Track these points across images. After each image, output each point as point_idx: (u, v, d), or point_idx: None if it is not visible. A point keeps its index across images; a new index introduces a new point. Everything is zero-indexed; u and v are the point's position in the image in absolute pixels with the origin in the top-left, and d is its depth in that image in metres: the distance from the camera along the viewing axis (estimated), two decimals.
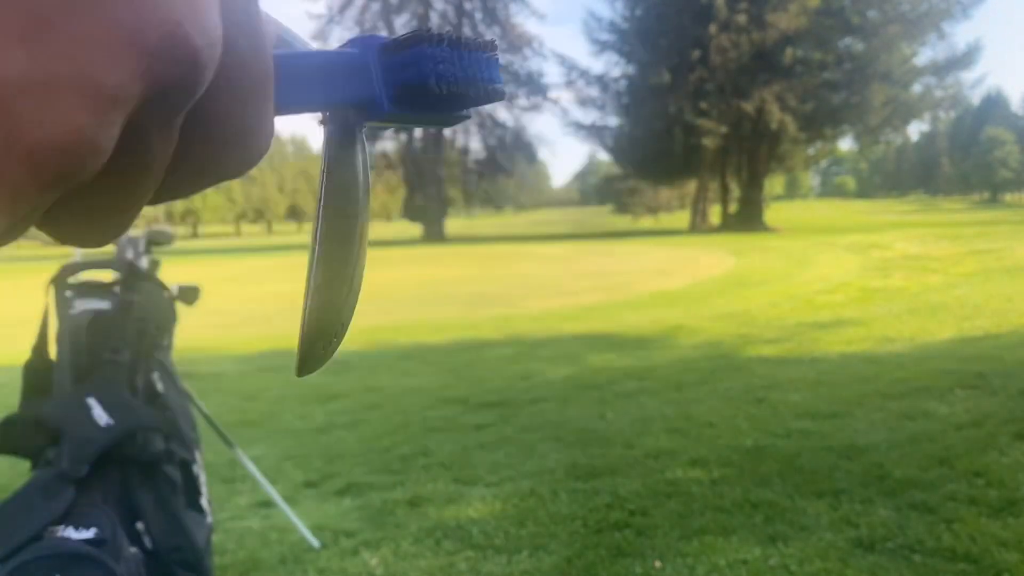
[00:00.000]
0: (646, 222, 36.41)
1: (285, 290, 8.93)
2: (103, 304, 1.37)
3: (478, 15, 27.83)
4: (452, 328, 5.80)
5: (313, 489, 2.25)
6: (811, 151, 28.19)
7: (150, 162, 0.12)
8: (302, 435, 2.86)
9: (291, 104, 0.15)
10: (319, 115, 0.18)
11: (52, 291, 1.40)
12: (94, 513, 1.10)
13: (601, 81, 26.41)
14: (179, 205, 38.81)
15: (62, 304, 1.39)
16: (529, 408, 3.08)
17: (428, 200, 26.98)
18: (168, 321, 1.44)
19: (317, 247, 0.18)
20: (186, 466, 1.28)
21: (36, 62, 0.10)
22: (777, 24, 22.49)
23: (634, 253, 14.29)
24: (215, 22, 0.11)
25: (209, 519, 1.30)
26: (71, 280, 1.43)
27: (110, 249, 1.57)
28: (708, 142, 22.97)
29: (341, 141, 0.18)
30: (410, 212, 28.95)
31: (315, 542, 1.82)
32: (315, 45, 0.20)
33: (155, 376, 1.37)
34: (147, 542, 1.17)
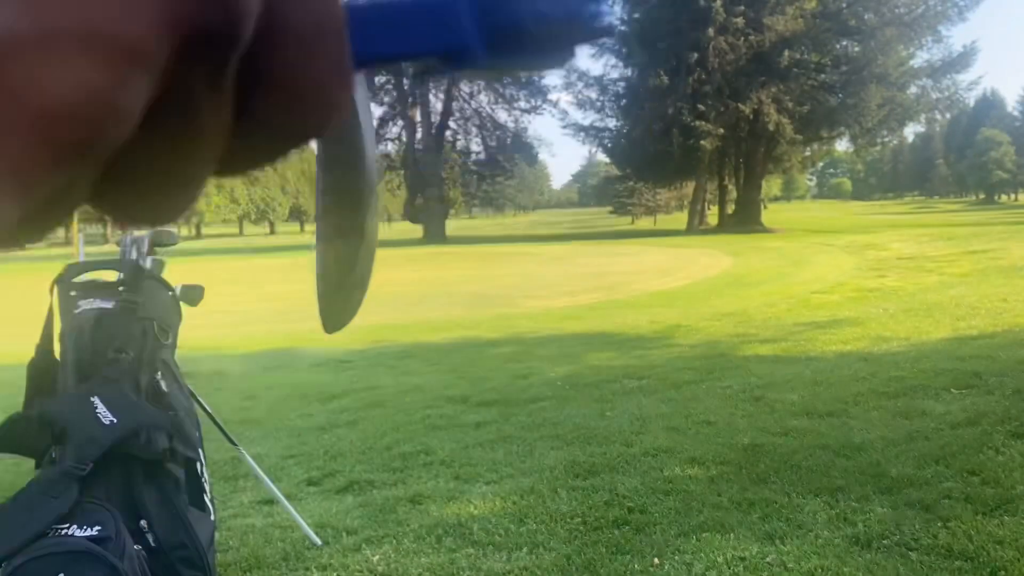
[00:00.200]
0: (645, 223, 36.48)
1: (288, 290, 8.92)
2: (107, 304, 1.38)
3: None
4: (453, 327, 5.81)
5: (315, 487, 2.26)
6: (808, 152, 28.29)
7: (201, 125, 0.11)
8: (304, 433, 2.87)
9: (370, 54, 0.14)
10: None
11: (57, 290, 1.41)
12: (98, 511, 1.11)
13: (600, 83, 26.47)
14: None
15: (66, 303, 1.40)
16: (529, 407, 3.10)
17: (429, 201, 26.99)
18: (172, 320, 1.45)
19: (321, 196, 0.16)
20: (190, 464, 1.29)
21: (34, 14, 0.08)
22: (774, 27, 22.59)
23: (633, 253, 14.32)
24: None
25: (212, 517, 1.31)
26: (76, 280, 1.44)
27: (114, 249, 1.58)
28: (706, 144, 23.04)
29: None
30: (411, 213, 28.96)
31: (317, 540, 1.83)
32: None
33: (159, 375, 1.38)
34: (151, 540, 1.18)
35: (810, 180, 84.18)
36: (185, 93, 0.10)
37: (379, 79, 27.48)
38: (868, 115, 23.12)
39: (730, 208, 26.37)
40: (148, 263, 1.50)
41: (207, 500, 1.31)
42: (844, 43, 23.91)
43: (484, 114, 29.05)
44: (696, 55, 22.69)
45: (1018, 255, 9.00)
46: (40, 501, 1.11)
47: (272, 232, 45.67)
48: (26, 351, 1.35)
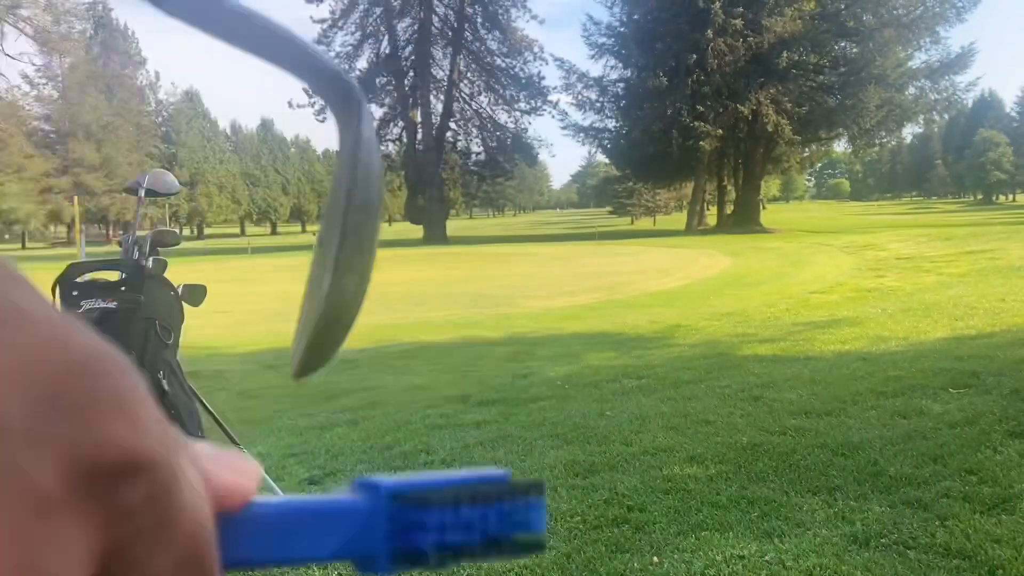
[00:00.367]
0: (644, 223, 36.49)
1: (289, 290, 8.89)
2: (109, 303, 1.39)
3: (479, 20, 27.89)
4: (453, 327, 5.81)
5: (316, 486, 2.26)
6: (806, 153, 28.35)
7: None
8: (305, 433, 2.88)
9: (269, 558, 0.14)
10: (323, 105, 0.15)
11: (58, 290, 1.42)
12: None
13: (599, 84, 26.50)
14: (185, 207, 38.56)
15: (68, 303, 1.40)
16: (529, 406, 3.11)
17: (429, 202, 26.98)
18: (174, 320, 1.45)
19: (337, 245, 0.16)
20: None
21: None
22: (773, 28, 22.63)
23: (632, 254, 14.33)
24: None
25: None
26: (78, 279, 1.44)
27: (116, 249, 1.58)
28: (705, 145, 23.07)
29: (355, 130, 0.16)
30: (412, 214, 28.93)
31: None
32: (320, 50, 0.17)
33: (161, 375, 1.39)
34: None
35: (809, 181, 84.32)
36: None
37: (380, 80, 27.48)
38: (866, 116, 23.16)
39: (729, 208, 26.40)
40: (150, 263, 1.51)
41: None
42: (842, 44, 23.96)
43: (484, 115, 29.07)
44: (695, 56, 22.72)
45: (1016, 255, 9.02)
46: None
47: (274, 232, 45.63)
48: None
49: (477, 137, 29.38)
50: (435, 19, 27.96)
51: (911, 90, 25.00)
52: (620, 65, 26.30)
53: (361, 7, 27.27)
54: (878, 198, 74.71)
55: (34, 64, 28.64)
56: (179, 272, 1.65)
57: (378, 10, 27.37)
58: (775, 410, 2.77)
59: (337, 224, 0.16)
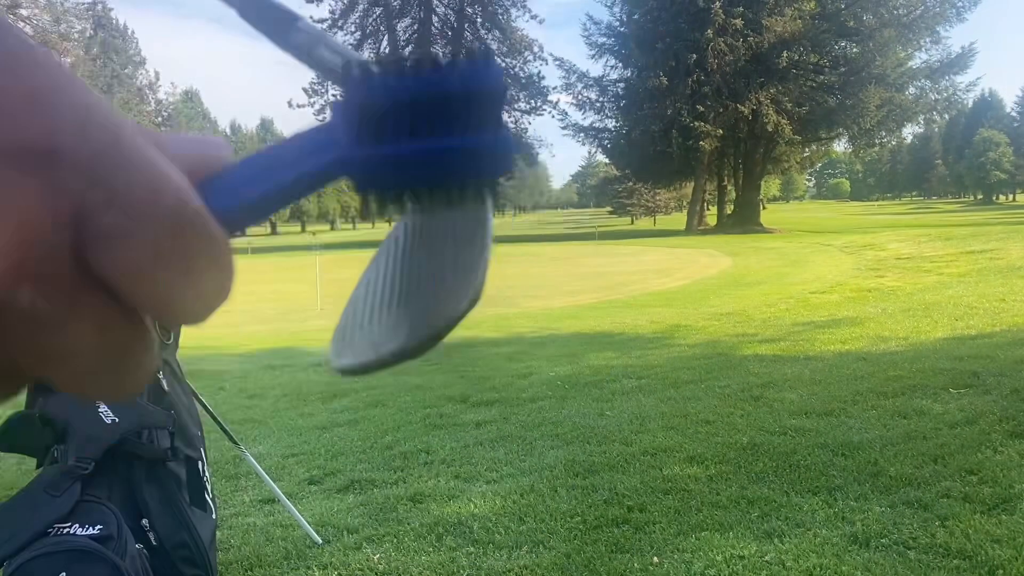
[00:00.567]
0: (644, 223, 36.48)
1: (289, 290, 8.90)
2: None
3: (479, 20, 27.88)
4: None
5: (316, 486, 2.26)
6: (806, 153, 28.33)
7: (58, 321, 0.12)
8: (305, 433, 2.87)
9: (258, 196, 0.15)
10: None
11: None
12: (100, 510, 1.11)
13: (599, 84, 26.49)
14: None
15: None
16: (528, 406, 3.10)
17: None
18: None
19: (483, 238, 0.17)
20: (191, 463, 1.29)
21: None
22: (773, 28, 22.61)
23: (632, 254, 14.33)
24: None
25: (214, 516, 1.31)
26: None
27: None
28: (705, 144, 23.06)
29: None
30: None
31: (318, 538, 1.84)
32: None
33: (161, 374, 1.39)
34: (152, 538, 1.19)
35: (809, 181, 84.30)
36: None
37: None
38: (867, 116, 23.15)
39: (729, 208, 26.38)
40: None
41: (208, 499, 1.32)
42: (843, 44, 23.94)
43: None
44: (695, 56, 22.70)
45: (1016, 255, 9.02)
46: (42, 500, 1.12)
47: (274, 232, 45.65)
48: None
49: None
50: (435, 19, 27.95)
51: (911, 90, 25.00)
52: (620, 65, 26.30)
53: (361, 7, 27.27)
54: (878, 198, 74.71)
55: None
56: None
57: (378, 10, 27.37)
58: (775, 410, 2.77)
59: (480, 220, 0.17)
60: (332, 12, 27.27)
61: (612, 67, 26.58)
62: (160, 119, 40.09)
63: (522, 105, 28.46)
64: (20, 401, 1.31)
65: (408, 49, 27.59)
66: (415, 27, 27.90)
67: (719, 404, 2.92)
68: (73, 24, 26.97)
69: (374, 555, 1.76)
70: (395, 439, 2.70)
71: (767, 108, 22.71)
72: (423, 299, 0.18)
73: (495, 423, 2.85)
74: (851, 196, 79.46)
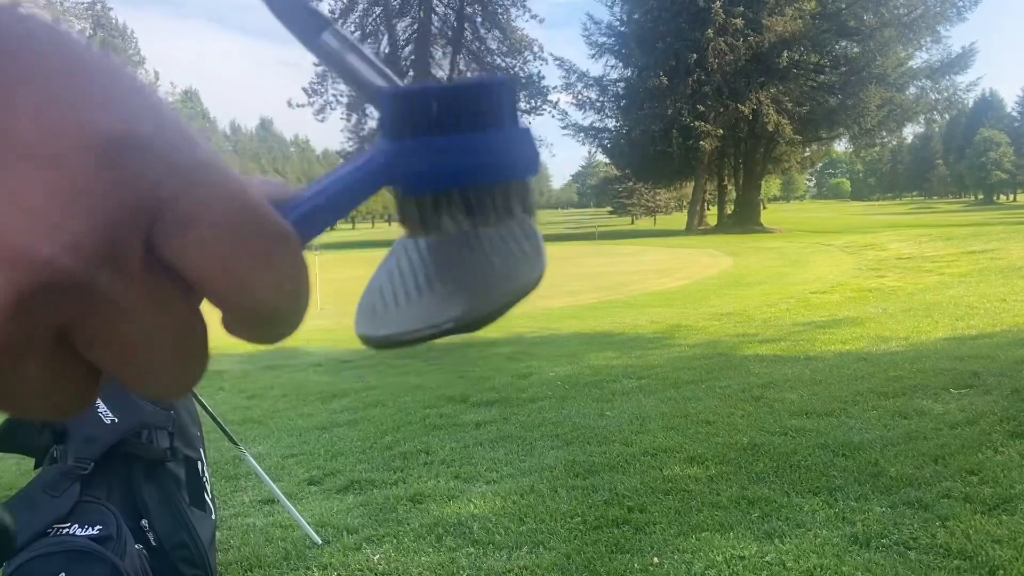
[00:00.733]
0: (644, 223, 36.47)
1: None
2: None
3: (478, 19, 27.87)
4: None
5: (316, 486, 2.26)
6: (807, 153, 28.32)
7: (129, 312, 0.13)
8: (304, 433, 2.87)
9: (321, 226, 0.17)
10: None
11: None
12: (99, 510, 1.11)
13: (599, 84, 26.48)
14: None
15: None
16: (529, 406, 3.10)
17: None
18: None
19: (533, 225, 0.19)
20: (190, 463, 1.29)
21: None
22: (773, 27, 22.60)
23: (632, 254, 14.33)
24: (75, 230, 0.12)
25: (213, 516, 1.31)
26: None
27: None
28: (705, 144, 23.05)
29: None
30: None
31: (318, 539, 1.84)
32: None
33: None
34: (152, 539, 1.18)
35: (809, 180, 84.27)
36: (37, 326, 0.12)
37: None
38: (867, 116, 23.14)
39: (729, 208, 26.37)
40: None
41: (208, 499, 1.31)
42: (843, 44, 23.93)
43: None
44: (695, 56, 22.70)
45: (1017, 255, 9.01)
46: (41, 500, 1.11)
47: None
48: None
49: None
50: (435, 19, 27.95)
51: (912, 90, 24.99)
52: (620, 64, 26.29)
53: (360, 6, 27.27)
54: (879, 198, 74.63)
55: None
56: None
57: (377, 9, 27.36)
58: (776, 410, 2.77)
59: (526, 210, 0.19)
60: (331, 11, 27.25)
61: (612, 67, 26.61)
62: None
63: (522, 105, 28.44)
64: None
65: (408, 49, 27.63)
66: (414, 27, 27.91)
67: (719, 404, 2.91)
68: (73, 24, 27.04)
69: (374, 555, 1.75)
70: (395, 439, 2.70)
71: (767, 108, 22.70)
72: (483, 276, 0.19)
73: (495, 423, 2.84)
74: (852, 196, 79.41)
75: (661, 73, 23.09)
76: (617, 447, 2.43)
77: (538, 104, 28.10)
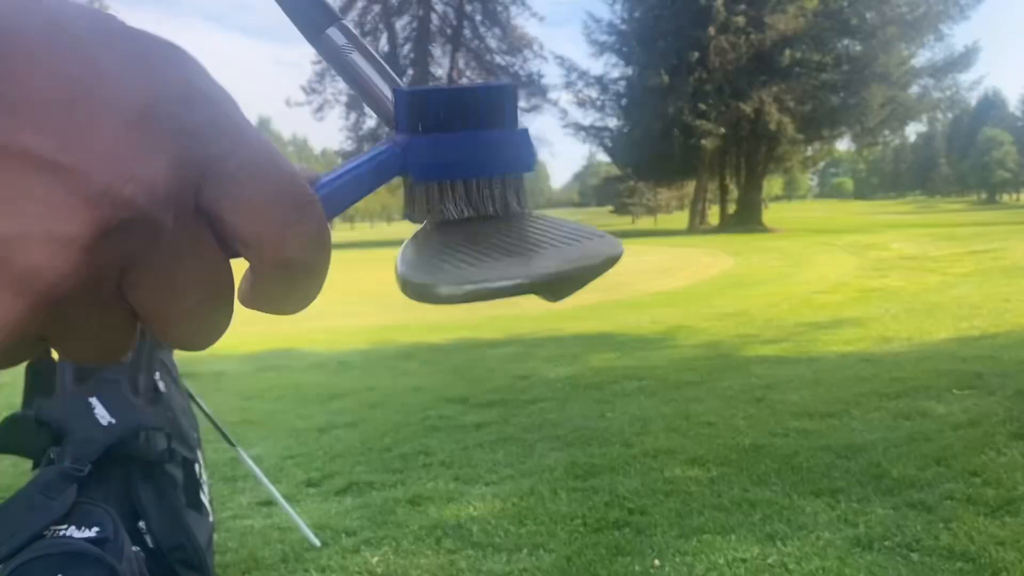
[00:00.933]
0: (645, 223, 36.44)
1: None
2: None
3: (478, 17, 27.86)
4: (452, 328, 5.81)
5: (314, 488, 2.26)
6: (809, 152, 28.26)
7: (177, 267, 0.15)
8: (303, 434, 2.87)
9: (341, 205, 0.19)
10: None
11: None
12: (96, 512, 1.10)
13: (600, 82, 26.49)
14: None
15: None
16: (529, 407, 3.09)
17: None
18: None
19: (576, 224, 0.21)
20: (188, 465, 1.29)
21: (12, 226, 0.13)
22: (775, 26, 22.55)
23: (633, 253, 14.30)
24: (150, 174, 0.14)
25: (211, 518, 1.31)
26: None
27: None
28: (707, 143, 23.02)
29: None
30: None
31: (316, 541, 1.83)
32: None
33: (157, 375, 1.38)
34: (149, 541, 1.18)
35: (812, 180, 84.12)
36: (112, 261, 0.14)
37: None
38: (870, 114, 23.08)
39: (731, 208, 26.33)
40: None
41: (205, 501, 1.31)
42: (846, 42, 23.87)
43: None
44: (697, 54, 22.67)
45: (1020, 255, 8.97)
46: (39, 502, 1.11)
47: None
48: None
49: None
50: (434, 17, 27.96)
51: (915, 88, 24.93)
52: (621, 63, 26.29)
53: (360, 4, 27.28)
54: (882, 197, 74.43)
55: None
56: None
57: (376, 7, 27.37)
58: (778, 412, 2.75)
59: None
60: None
61: (613, 65, 26.61)
62: None
63: (522, 104, 28.30)
64: (16, 402, 1.30)
65: (407, 47, 27.67)
66: (414, 25, 27.92)
67: (721, 406, 2.90)
68: None
69: (372, 558, 1.75)
70: (394, 441, 2.69)
71: (769, 106, 22.66)
72: (563, 248, 0.20)
73: (495, 425, 2.84)
74: (854, 195, 79.21)
75: (662, 71, 23.06)
76: (618, 449, 2.42)
77: (538, 103, 28.10)
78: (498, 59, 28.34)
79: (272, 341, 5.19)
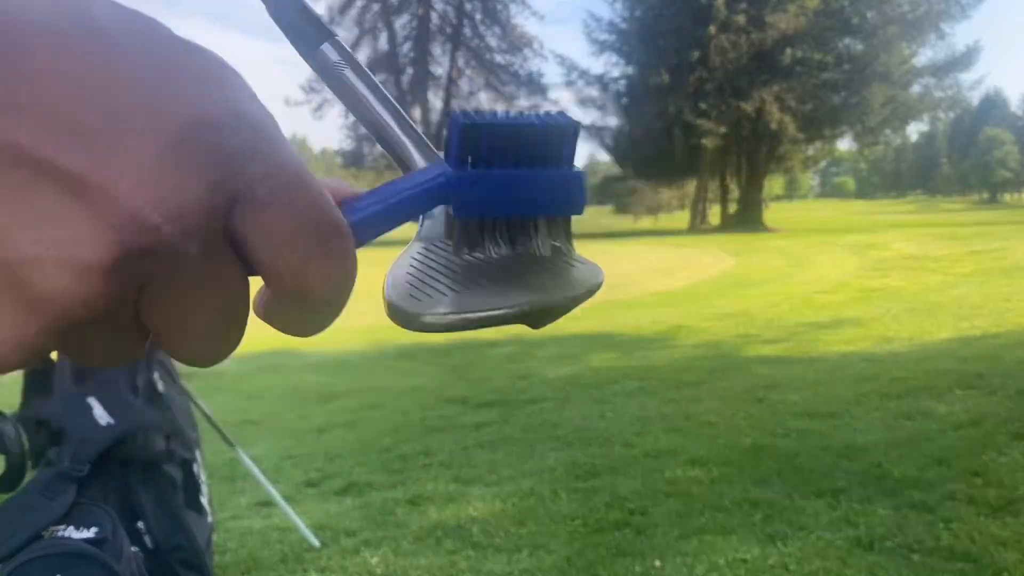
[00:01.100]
0: (646, 222, 36.42)
1: None
2: None
3: (478, 16, 27.83)
4: None
5: (314, 488, 2.25)
6: (810, 151, 28.22)
7: (198, 291, 0.15)
8: (302, 435, 2.87)
9: (378, 231, 0.18)
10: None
11: None
12: (95, 512, 1.10)
13: (601, 81, 26.47)
14: None
15: None
16: (529, 408, 3.09)
17: None
18: None
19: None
20: (187, 465, 1.28)
21: (31, 247, 0.13)
22: (776, 24, 22.52)
23: (634, 253, 14.31)
24: (182, 203, 0.13)
25: (210, 518, 1.30)
26: None
27: None
28: (708, 142, 23.00)
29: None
30: None
31: (315, 541, 1.83)
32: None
33: (156, 375, 1.38)
34: (148, 541, 1.18)
35: (813, 179, 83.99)
36: (132, 283, 0.13)
37: (378, 78, 27.36)
38: (871, 114, 23.05)
39: (732, 207, 26.30)
40: None
41: (204, 502, 1.31)
42: (847, 41, 23.82)
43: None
44: (698, 53, 22.64)
45: (1022, 255, 8.95)
46: (37, 502, 1.10)
47: None
48: None
49: None
50: (434, 15, 27.92)
51: (916, 88, 24.88)
52: (622, 62, 26.27)
53: (359, 3, 27.23)
54: (883, 196, 74.35)
55: None
56: None
57: (376, 6, 27.33)
58: (778, 412, 2.75)
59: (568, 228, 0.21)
60: (329, 8, 27.27)
61: (614, 64, 26.64)
62: None
63: (522, 103, 28.43)
64: (15, 402, 1.30)
65: (407, 46, 27.68)
66: (413, 23, 27.89)
67: (722, 406, 2.90)
68: None
69: (372, 558, 1.74)
70: (394, 441, 2.69)
71: (770, 105, 22.63)
72: (544, 277, 0.20)
73: (495, 425, 2.83)
74: (855, 194, 79.12)
75: (663, 70, 23.04)
76: (618, 449, 2.42)
77: (538, 102, 28.06)
78: (498, 58, 28.32)
79: (272, 341, 5.19)
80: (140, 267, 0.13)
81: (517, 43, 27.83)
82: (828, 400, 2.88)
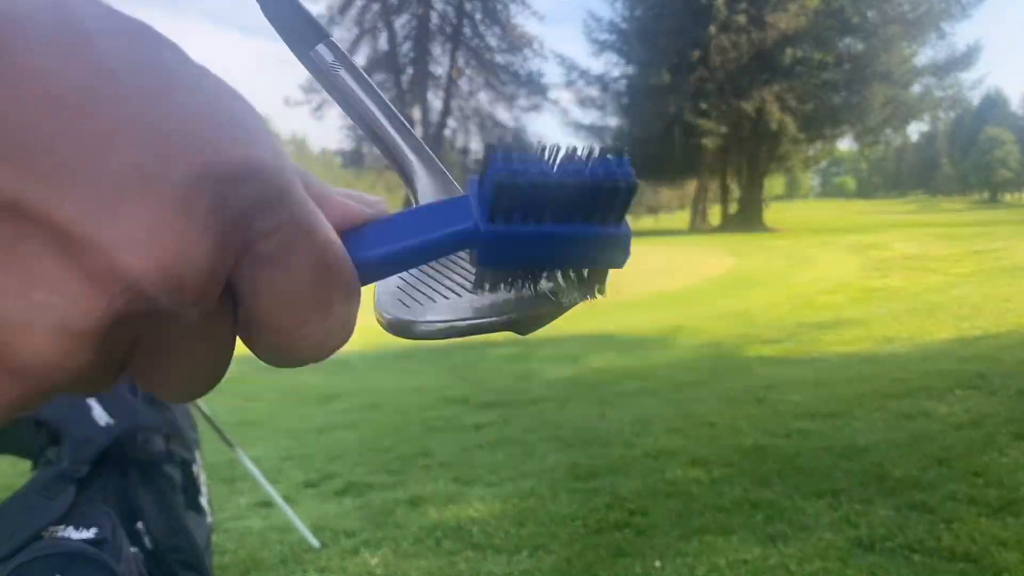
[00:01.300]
0: (646, 222, 36.43)
1: None
2: None
3: (478, 15, 27.83)
4: None
5: (313, 489, 2.25)
6: (811, 151, 28.22)
7: (190, 343, 0.14)
8: (302, 435, 2.87)
9: (388, 272, 0.17)
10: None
11: None
12: (94, 513, 1.10)
13: (601, 81, 26.49)
14: None
15: None
16: (529, 408, 3.09)
17: None
18: None
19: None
20: (186, 466, 1.28)
21: (18, 311, 0.12)
22: (777, 24, 22.52)
23: (634, 253, 14.16)
24: (183, 268, 0.12)
25: (209, 519, 1.30)
26: None
27: None
28: (708, 142, 23.01)
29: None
30: None
31: (315, 542, 1.83)
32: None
33: None
34: (147, 542, 1.17)
35: (813, 179, 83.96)
36: (118, 346, 0.13)
37: (378, 78, 27.52)
38: (871, 113, 23.04)
39: (732, 207, 26.30)
40: None
41: (204, 502, 1.30)
42: (847, 41, 23.82)
43: (484, 112, 29.01)
44: (698, 53, 22.65)
45: (1022, 255, 8.94)
46: (37, 503, 1.10)
47: None
48: None
49: (476, 135, 29.36)
50: (434, 15, 27.90)
51: (916, 87, 24.89)
52: (622, 62, 26.27)
53: (359, 3, 27.22)
54: (883, 196, 74.29)
55: None
56: None
57: (376, 6, 27.31)
58: (779, 412, 2.75)
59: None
60: (329, 8, 27.27)
61: (614, 64, 26.61)
62: None
63: (522, 103, 28.42)
64: None
65: (407, 46, 27.71)
66: (413, 23, 27.87)
67: (722, 406, 2.89)
68: None
69: (372, 559, 1.74)
70: (393, 442, 2.69)
71: (771, 105, 22.63)
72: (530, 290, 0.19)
73: (495, 425, 2.83)
74: (856, 194, 79.05)
75: (663, 70, 23.05)
76: (618, 450, 2.42)
77: (538, 102, 28.05)
78: (498, 58, 28.30)
79: None
80: (133, 331, 0.13)
81: (517, 43, 27.82)
82: (829, 400, 2.88)
